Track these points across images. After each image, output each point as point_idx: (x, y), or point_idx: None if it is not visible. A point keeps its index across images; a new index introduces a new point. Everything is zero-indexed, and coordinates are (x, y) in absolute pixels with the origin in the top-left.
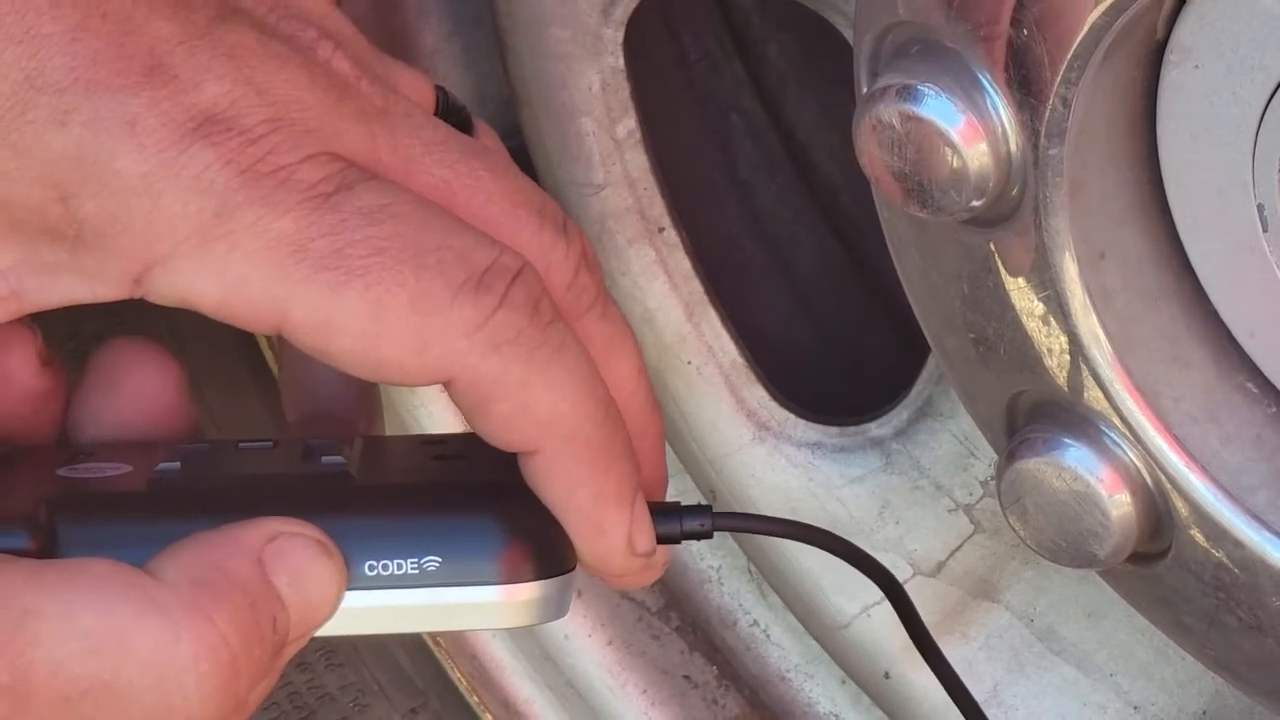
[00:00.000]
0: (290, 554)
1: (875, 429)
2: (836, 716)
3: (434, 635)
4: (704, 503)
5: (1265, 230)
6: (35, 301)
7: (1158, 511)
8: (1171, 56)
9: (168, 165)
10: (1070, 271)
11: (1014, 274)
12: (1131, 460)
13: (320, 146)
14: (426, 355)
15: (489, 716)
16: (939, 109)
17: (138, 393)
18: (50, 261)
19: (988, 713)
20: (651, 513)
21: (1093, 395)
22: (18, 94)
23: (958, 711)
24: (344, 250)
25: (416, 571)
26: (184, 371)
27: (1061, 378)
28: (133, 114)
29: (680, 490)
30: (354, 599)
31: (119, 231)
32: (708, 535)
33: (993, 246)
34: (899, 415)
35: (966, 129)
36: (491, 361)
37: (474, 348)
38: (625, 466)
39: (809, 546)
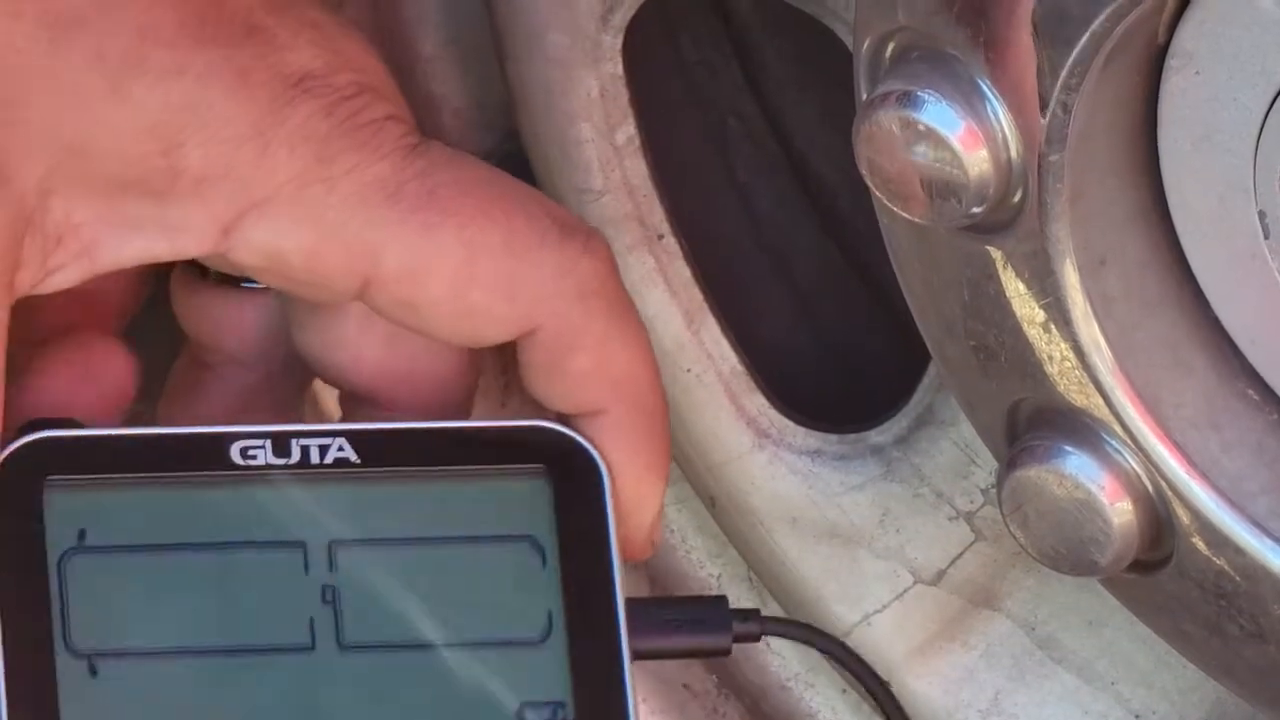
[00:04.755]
0: None
1: (876, 436)
2: None
3: None
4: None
5: (1267, 237)
6: (109, 260)
7: (1159, 519)
8: (1173, 62)
9: (276, 113)
10: (1071, 278)
11: (1015, 281)
12: (1132, 468)
13: (399, 111)
14: (517, 300)
15: None
16: (939, 115)
17: (83, 373)
18: (132, 215)
19: None
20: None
21: (1094, 402)
22: (134, 47)
23: None
24: (436, 191)
25: None
26: (128, 359)
27: (1062, 385)
28: (243, 66)
29: (679, 497)
30: None
31: (221, 177)
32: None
33: (993, 253)
34: (899, 423)
35: (967, 135)
36: (577, 310)
37: (562, 294)
38: (668, 442)
39: (809, 554)
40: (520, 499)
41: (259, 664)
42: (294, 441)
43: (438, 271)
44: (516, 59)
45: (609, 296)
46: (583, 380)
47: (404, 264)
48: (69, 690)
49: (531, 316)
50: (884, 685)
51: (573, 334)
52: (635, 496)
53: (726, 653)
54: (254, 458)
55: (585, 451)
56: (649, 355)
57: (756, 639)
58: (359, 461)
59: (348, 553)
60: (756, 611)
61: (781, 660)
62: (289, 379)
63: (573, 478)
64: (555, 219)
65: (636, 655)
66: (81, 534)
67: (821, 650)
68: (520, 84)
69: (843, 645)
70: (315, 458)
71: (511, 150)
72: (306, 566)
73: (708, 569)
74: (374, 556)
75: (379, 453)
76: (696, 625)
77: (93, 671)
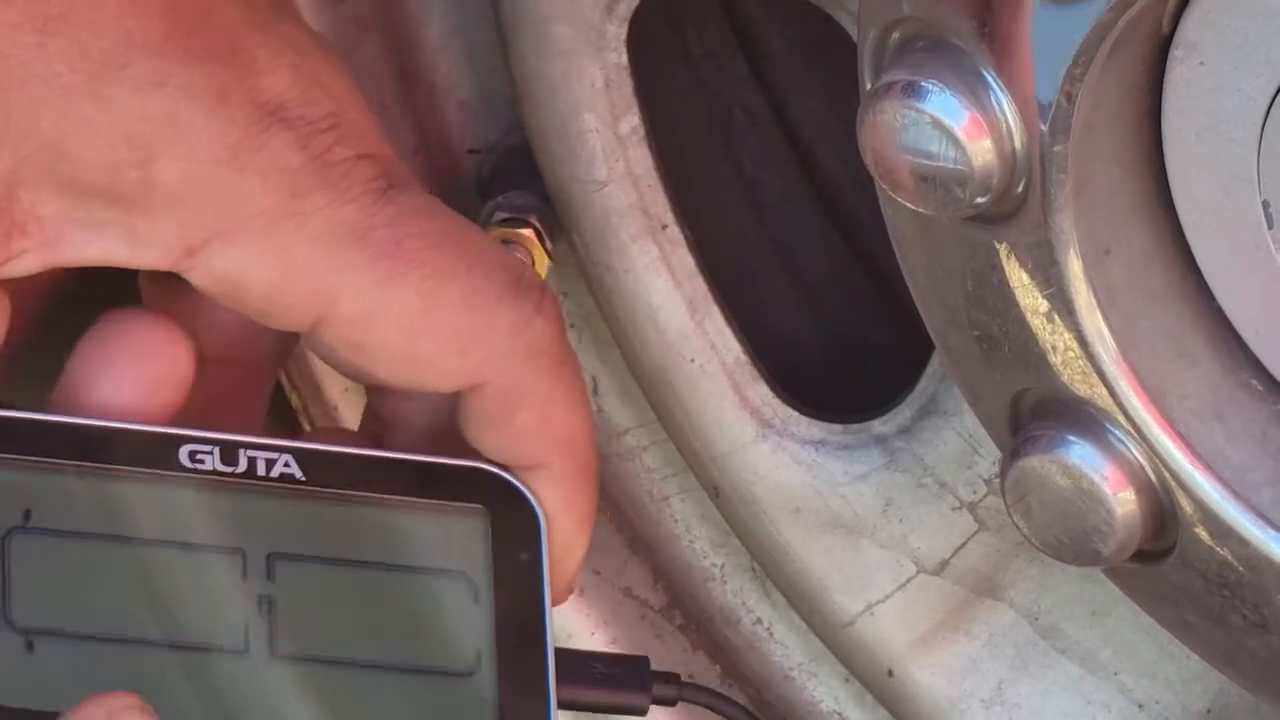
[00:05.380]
0: None
1: (879, 426)
2: (840, 715)
3: None
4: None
5: (1270, 227)
6: (72, 256)
7: (1162, 509)
8: (1177, 52)
9: (252, 140)
10: (1075, 269)
11: (1018, 271)
12: (1136, 458)
13: (371, 148)
14: (468, 355)
15: None
16: (943, 105)
17: (137, 375)
18: (99, 218)
19: (991, 711)
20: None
21: (1097, 393)
22: (119, 51)
23: (961, 711)
24: (403, 241)
25: None
26: (195, 356)
27: (1066, 375)
28: (223, 86)
29: (684, 487)
30: None
31: (194, 199)
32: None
33: (997, 243)
34: (903, 413)
35: (971, 125)
36: (526, 369)
37: (513, 352)
38: (595, 496)
39: (812, 544)
40: (458, 536)
41: (192, 661)
42: (242, 451)
43: (393, 319)
44: (521, 50)
45: (557, 356)
46: (526, 436)
47: (361, 308)
48: (4, 663)
49: (481, 372)
50: None
51: (520, 392)
52: (566, 545)
53: (643, 714)
54: (201, 462)
55: (524, 498)
56: (587, 414)
57: (673, 704)
58: (303, 479)
59: (286, 565)
60: (676, 676)
61: (785, 650)
62: (255, 379)
63: (511, 522)
64: (512, 275)
65: (558, 703)
66: (27, 514)
67: (730, 718)
68: (525, 75)
69: (751, 715)
70: (261, 470)
71: (516, 143)
72: (245, 573)
73: (711, 559)
74: (311, 572)
75: (324, 473)
76: (616, 682)
77: (29, 647)
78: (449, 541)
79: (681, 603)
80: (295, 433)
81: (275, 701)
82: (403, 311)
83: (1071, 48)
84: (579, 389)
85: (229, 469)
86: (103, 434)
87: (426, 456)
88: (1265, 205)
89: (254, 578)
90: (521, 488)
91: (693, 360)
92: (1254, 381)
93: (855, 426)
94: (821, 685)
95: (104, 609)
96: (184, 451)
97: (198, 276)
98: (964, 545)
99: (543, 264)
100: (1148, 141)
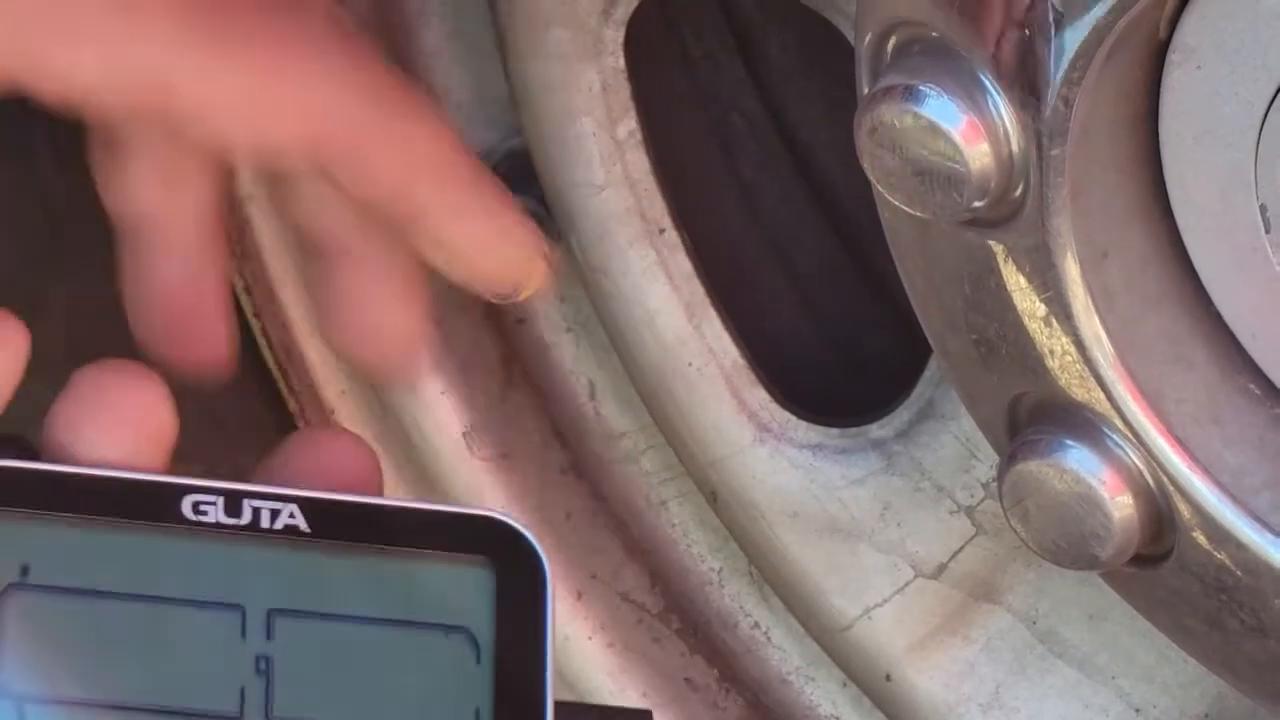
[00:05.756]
0: None
1: (877, 430)
2: (837, 719)
3: None
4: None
5: (1268, 231)
6: None
7: (1160, 514)
8: (1174, 57)
9: None
10: (1072, 272)
11: (1016, 275)
12: (1134, 462)
13: None
14: (310, 107)
15: None
16: (941, 109)
17: (120, 416)
18: None
19: (989, 715)
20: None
21: (1095, 397)
22: None
23: (959, 715)
24: (233, 15)
25: None
26: (170, 399)
27: (1063, 379)
28: None
29: (682, 492)
30: None
31: (27, 8)
32: None
33: (995, 247)
34: (900, 417)
35: (968, 129)
36: (371, 113)
37: (357, 95)
38: (494, 196)
39: (810, 548)
40: (462, 589)
41: None
42: (246, 502)
43: (233, 89)
44: (519, 53)
45: (402, 98)
46: (391, 174)
47: (199, 80)
48: None
49: (327, 121)
50: None
51: (372, 131)
52: (458, 235)
53: None
54: (204, 514)
55: (530, 547)
56: (450, 137)
57: None
58: (308, 531)
59: (285, 623)
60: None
61: (782, 654)
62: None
63: (515, 573)
64: (339, 26)
65: None
66: (24, 569)
67: None
68: (522, 78)
69: None
70: (265, 521)
71: (513, 146)
72: (244, 632)
73: (709, 563)
74: (311, 630)
75: (328, 524)
76: None
77: (19, 716)
78: (452, 595)
79: (679, 607)
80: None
81: None
82: (241, 79)
83: (1069, 52)
84: (436, 117)
85: (232, 521)
86: (105, 485)
87: (433, 505)
88: (1263, 209)
89: (253, 637)
90: (528, 535)
91: (690, 364)
92: (1252, 385)
93: (853, 430)
94: (819, 689)
95: (98, 672)
96: (187, 503)
97: (41, 82)
98: (961, 549)
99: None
100: (1145, 145)
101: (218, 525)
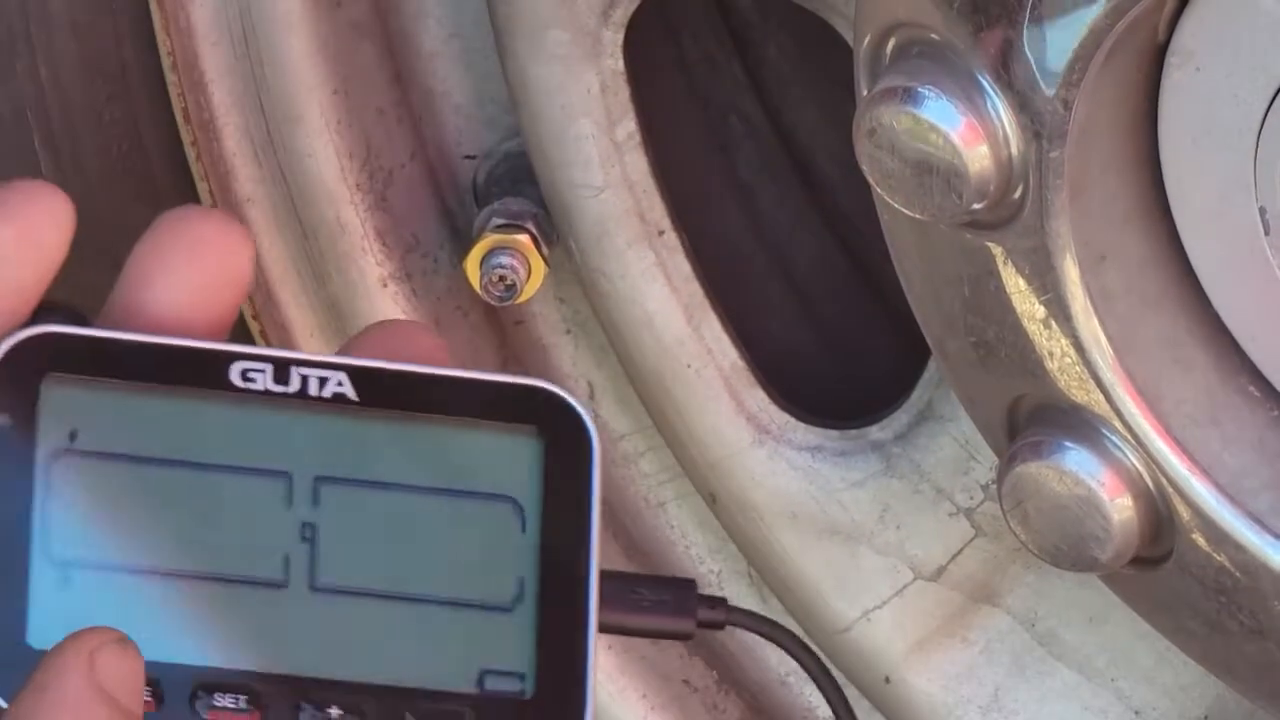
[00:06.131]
0: (116, 666)
1: (876, 432)
2: None
3: None
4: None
5: (1267, 233)
6: None
7: (1159, 515)
8: (1173, 59)
9: None
10: (1071, 274)
11: (1015, 277)
12: (1133, 464)
13: None
14: None
15: None
16: (939, 111)
17: (193, 273)
18: None
19: (988, 718)
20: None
21: (1094, 399)
22: None
23: (959, 718)
24: None
25: None
26: (251, 245)
27: (1063, 381)
28: None
29: (681, 493)
30: None
31: None
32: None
33: (993, 249)
34: (900, 419)
35: (967, 131)
36: None
37: None
38: None
39: (809, 550)
40: (508, 458)
41: (230, 593)
42: (294, 369)
43: None
44: (517, 55)
45: None
46: None
47: None
48: (40, 600)
49: None
50: (837, 688)
51: None
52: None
53: (689, 637)
54: (252, 381)
55: (578, 418)
56: None
57: (720, 627)
58: (356, 399)
59: (331, 490)
60: (724, 600)
61: (781, 656)
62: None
63: (562, 443)
64: None
65: (600, 628)
66: (73, 434)
67: (781, 646)
68: (521, 80)
69: (800, 641)
70: (314, 389)
71: (512, 147)
72: (290, 499)
73: (708, 565)
74: (357, 498)
75: (377, 392)
76: (663, 606)
77: (66, 581)
78: (499, 464)
79: None
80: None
81: (310, 636)
82: None
83: (1068, 54)
84: None
85: (280, 388)
86: (153, 351)
87: (481, 374)
88: (1261, 211)
89: (298, 504)
90: (576, 406)
91: (689, 366)
92: (1251, 387)
93: (852, 432)
94: (818, 692)
95: (142, 538)
96: (236, 370)
97: None
98: (961, 551)
99: (539, 270)
100: (1144, 147)
101: (265, 392)
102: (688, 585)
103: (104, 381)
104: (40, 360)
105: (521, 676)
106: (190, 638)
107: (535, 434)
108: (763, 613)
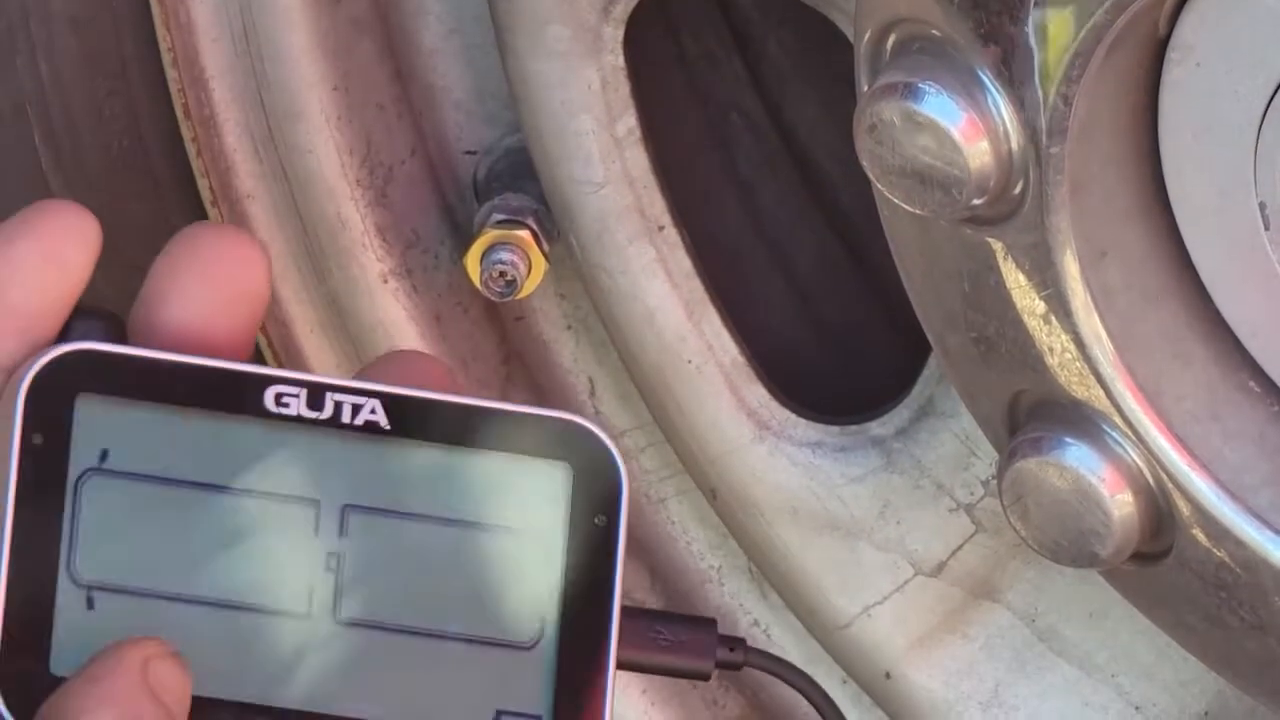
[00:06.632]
0: (167, 676)
1: (876, 428)
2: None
3: None
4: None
5: (1267, 228)
6: None
7: (1159, 511)
8: (1173, 54)
9: None
10: (1072, 270)
11: (1015, 273)
12: (1133, 459)
13: None
14: None
15: None
16: (940, 107)
17: (229, 285)
18: None
19: (988, 713)
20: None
21: (1094, 394)
22: None
23: (959, 713)
24: None
25: None
26: (265, 260)
27: (1063, 377)
28: None
29: (681, 489)
30: None
31: None
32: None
33: (994, 245)
34: (900, 414)
35: (967, 127)
36: None
37: None
38: None
39: (810, 546)
40: (537, 492)
41: (253, 622)
42: (329, 395)
43: None
44: (518, 51)
45: None
46: None
47: None
48: (64, 622)
49: None
50: None
51: None
52: None
53: (707, 677)
54: (286, 406)
55: (608, 453)
56: None
57: (738, 669)
58: (388, 428)
59: (359, 520)
60: (743, 641)
61: (781, 652)
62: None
63: (592, 479)
64: None
65: (618, 665)
66: (104, 454)
67: (800, 690)
68: (521, 76)
69: (819, 687)
70: (346, 417)
71: (513, 143)
72: (317, 528)
73: (708, 560)
74: (384, 528)
75: (409, 422)
76: (682, 646)
77: (89, 604)
78: (527, 498)
79: (679, 604)
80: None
81: (329, 669)
82: None
83: (1068, 50)
84: None
85: (313, 414)
86: (187, 372)
87: (515, 407)
88: (1262, 207)
89: (325, 533)
90: (606, 440)
91: (690, 362)
92: (1251, 383)
93: (852, 428)
94: None
95: (168, 563)
96: (270, 394)
97: None
98: (961, 547)
99: (539, 266)
100: (1144, 143)
101: (299, 418)
102: (708, 625)
103: (136, 402)
104: (73, 379)
105: (538, 719)
106: (209, 668)
107: (564, 468)
108: (763, 607)
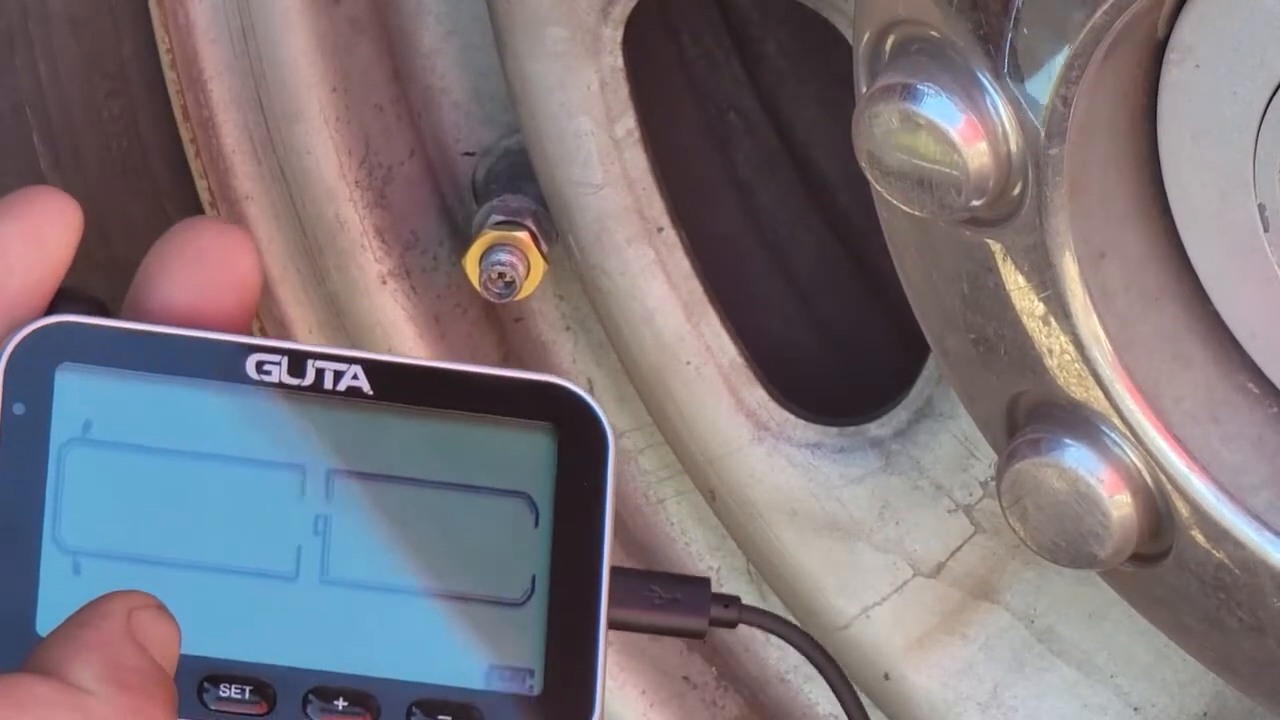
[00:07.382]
0: (152, 626)
1: (875, 429)
2: (836, 718)
3: None
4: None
5: (1266, 230)
6: None
7: (1158, 512)
8: (1172, 55)
9: None
10: (1071, 271)
11: (1014, 274)
12: (1132, 461)
13: None
14: None
15: None
16: (939, 108)
17: (216, 273)
18: None
19: (987, 714)
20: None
21: (1093, 396)
22: None
23: (958, 714)
24: None
25: None
26: (256, 251)
27: (1062, 378)
28: None
29: (680, 490)
30: None
31: None
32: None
33: (993, 246)
34: (899, 416)
35: (966, 128)
36: None
37: None
38: None
39: (808, 547)
40: (522, 454)
41: (241, 585)
42: (310, 363)
43: None
44: (516, 52)
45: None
46: None
47: None
48: (49, 587)
49: None
50: (850, 689)
51: None
52: None
53: (702, 635)
54: (268, 373)
55: (593, 414)
56: None
57: (733, 626)
58: (370, 393)
59: (344, 483)
60: (737, 599)
61: (781, 653)
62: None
63: (577, 439)
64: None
65: (612, 624)
66: (87, 425)
67: (795, 645)
68: (520, 77)
69: (814, 641)
70: (328, 382)
71: (511, 145)
72: (303, 492)
73: (707, 561)
74: (370, 491)
75: (391, 386)
76: (676, 604)
77: (75, 570)
78: (513, 460)
79: None
80: None
81: (320, 629)
82: None
83: (1067, 51)
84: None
85: (295, 381)
86: (169, 342)
87: (497, 370)
88: (1261, 208)
89: (311, 497)
90: (591, 402)
91: (688, 363)
92: (1250, 384)
93: (851, 429)
94: (818, 688)
95: (154, 529)
96: (251, 362)
97: None
98: (960, 548)
99: (538, 267)
100: (1143, 145)
101: (280, 385)
102: (701, 583)
103: (119, 372)
104: (55, 349)
105: (530, 673)
106: (198, 629)
107: (550, 430)
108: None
